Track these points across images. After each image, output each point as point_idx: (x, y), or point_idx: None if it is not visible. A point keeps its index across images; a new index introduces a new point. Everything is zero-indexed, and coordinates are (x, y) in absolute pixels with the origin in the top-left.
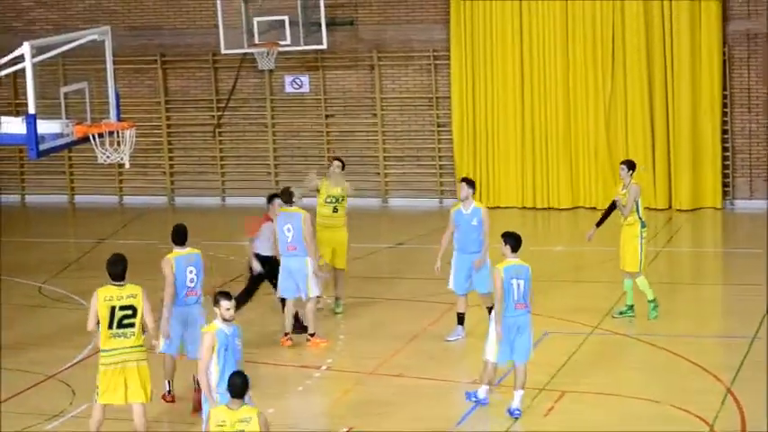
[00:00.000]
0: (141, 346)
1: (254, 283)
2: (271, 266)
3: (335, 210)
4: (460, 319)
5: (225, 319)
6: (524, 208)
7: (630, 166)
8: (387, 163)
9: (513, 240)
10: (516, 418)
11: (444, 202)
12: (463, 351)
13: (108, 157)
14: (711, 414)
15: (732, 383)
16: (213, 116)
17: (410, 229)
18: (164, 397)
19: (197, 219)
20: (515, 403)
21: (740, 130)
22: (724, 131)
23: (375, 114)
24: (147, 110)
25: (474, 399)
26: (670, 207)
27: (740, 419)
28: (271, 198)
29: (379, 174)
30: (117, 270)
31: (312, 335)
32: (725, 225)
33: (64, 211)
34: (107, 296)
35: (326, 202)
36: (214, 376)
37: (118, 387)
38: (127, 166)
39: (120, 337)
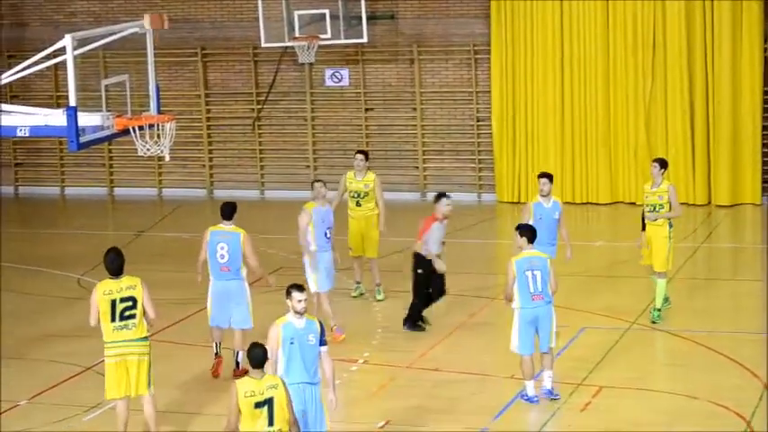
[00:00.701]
0: (145, 338)
1: (422, 283)
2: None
3: (358, 204)
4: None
5: (296, 312)
6: (564, 203)
7: (663, 164)
8: (426, 157)
9: (528, 232)
10: (555, 399)
11: (483, 196)
12: (501, 345)
13: (148, 149)
14: (749, 410)
15: None
16: (253, 109)
17: (449, 224)
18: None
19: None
20: (547, 384)
21: None
22: (764, 128)
23: (414, 108)
24: (187, 103)
25: (525, 398)
26: (709, 203)
27: None
28: (438, 197)
29: (417, 168)
30: (113, 266)
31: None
32: (764, 221)
33: (103, 203)
34: (106, 290)
35: (351, 197)
36: (280, 368)
37: (121, 381)
38: (167, 158)
39: (122, 329)
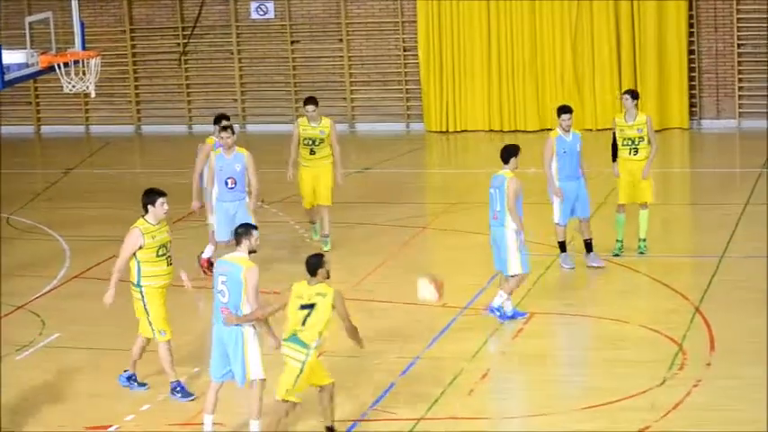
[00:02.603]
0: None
1: None
2: None
3: (312, 152)
4: (563, 246)
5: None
6: (491, 131)
7: (635, 95)
8: (353, 88)
9: (503, 151)
10: (498, 318)
11: (411, 126)
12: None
13: (73, 86)
14: (680, 333)
15: (700, 303)
16: (179, 44)
17: (378, 154)
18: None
19: (164, 147)
20: (495, 301)
21: (707, 50)
22: (690, 52)
23: (341, 39)
24: (113, 39)
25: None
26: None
27: (708, 337)
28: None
29: (345, 99)
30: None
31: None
32: (692, 145)
33: (30, 141)
34: (145, 228)
35: (304, 144)
36: None
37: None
38: (93, 95)
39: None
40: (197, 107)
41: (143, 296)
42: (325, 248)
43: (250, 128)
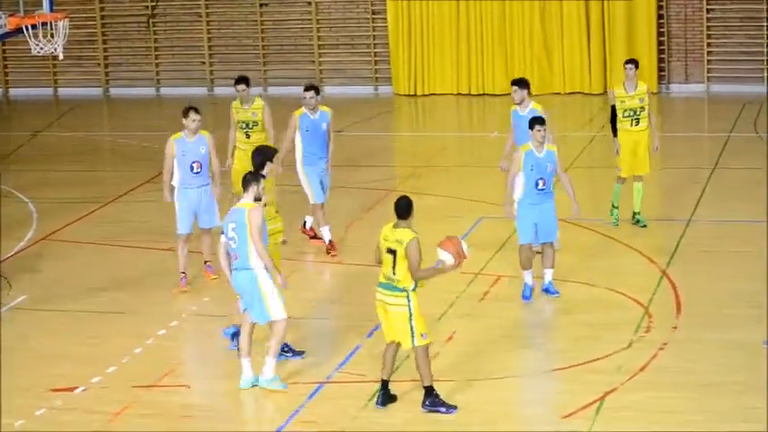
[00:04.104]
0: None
1: None
2: None
3: (248, 135)
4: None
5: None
6: (459, 94)
7: (637, 65)
8: (321, 51)
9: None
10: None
11: (379, 89)
12: None
13: (41, 48)
14: (646, 296)
15: (667, 266)
16: (147, 6)
17: (347, 117)
18: None
19: (132, 110)
20: (547, 279)
21: (675, 14)
22: (659, 16)
23: (309, 3)
24: (81, 1)
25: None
26: (606, 91)
27: (675, 301)
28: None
29: (314, 62)
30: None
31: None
32: (661, 109)
33: None
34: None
35: (240, 128)
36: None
37: None
38: (60, 57)
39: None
40: (165, 69)
41: None
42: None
43: (218, 90)
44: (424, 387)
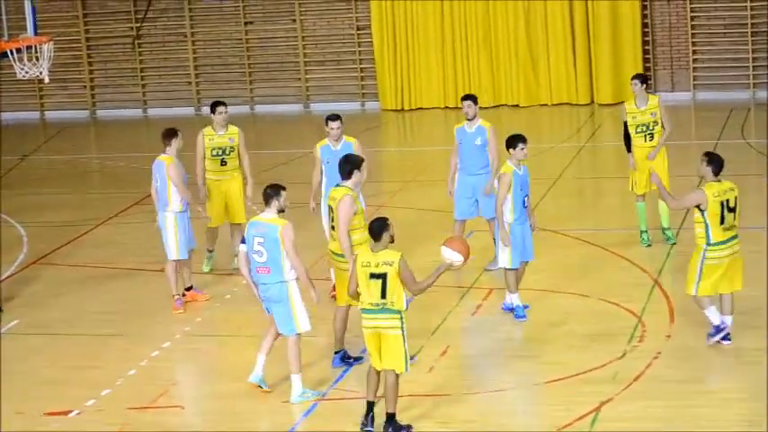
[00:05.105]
0: None
1: None
2: None
3: (224, 162)
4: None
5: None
6: (447, 108)
7: (644, 80)
8: (308, 68)
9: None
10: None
11: (366, 104)
12: None
13: (27, 72)
14: (639, 306)
15: (659, 275)
16: (132, 28)
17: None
18: None
19: (119, 131)
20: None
21: (660, 22)
22: (644, 24)
23: (294, 20)
24: (65, 23)
25: (508, 309)
26: (592, 102)
27: (668, 309)
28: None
29: (300, 79)
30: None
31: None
32: None
33: None
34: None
35: (213, 156)
36: None
37: None
38: (46, 80)
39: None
40: (151, 90)
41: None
42: (206, 269)
43: (205, 110)
44: (389, 413)
